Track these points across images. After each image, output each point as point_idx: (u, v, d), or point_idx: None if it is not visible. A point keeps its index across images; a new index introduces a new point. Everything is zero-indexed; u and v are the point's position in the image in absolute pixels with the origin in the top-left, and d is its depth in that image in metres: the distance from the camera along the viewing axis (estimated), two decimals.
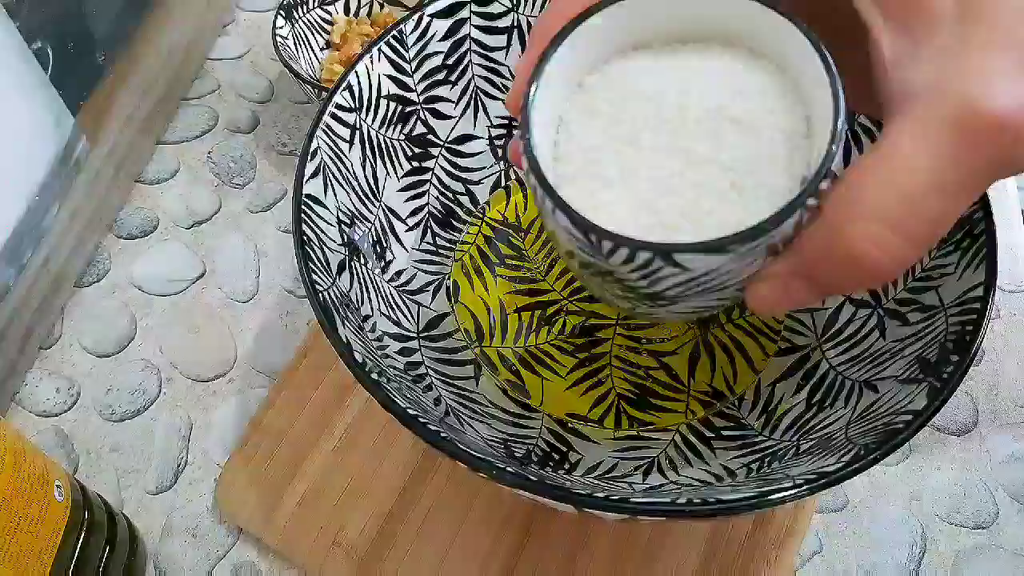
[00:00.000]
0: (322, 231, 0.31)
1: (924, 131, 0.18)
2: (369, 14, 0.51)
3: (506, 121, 0.40)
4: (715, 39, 0.24)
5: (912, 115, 0.19)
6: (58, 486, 0.29)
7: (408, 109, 0.37)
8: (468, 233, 0.40)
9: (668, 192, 0.22)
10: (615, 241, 0.21)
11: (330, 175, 0.33)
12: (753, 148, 0.22)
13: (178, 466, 0.38)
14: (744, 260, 0.21)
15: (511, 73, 0.39)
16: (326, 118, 0.33)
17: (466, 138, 0.40)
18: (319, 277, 0.29)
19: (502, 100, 0.40)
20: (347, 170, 0.34)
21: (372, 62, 0.35)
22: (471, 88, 0.39)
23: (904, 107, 0.19)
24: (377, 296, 0.34)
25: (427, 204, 0.39)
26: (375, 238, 0.36)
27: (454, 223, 0.40)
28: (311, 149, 0.32)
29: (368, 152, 0.35)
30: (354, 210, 0.34)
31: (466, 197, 0.40)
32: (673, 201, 0.22)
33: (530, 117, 0.23)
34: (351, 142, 0.34)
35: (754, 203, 0.22)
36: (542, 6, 0.38)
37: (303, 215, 0.30)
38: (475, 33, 0.38)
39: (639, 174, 0.23)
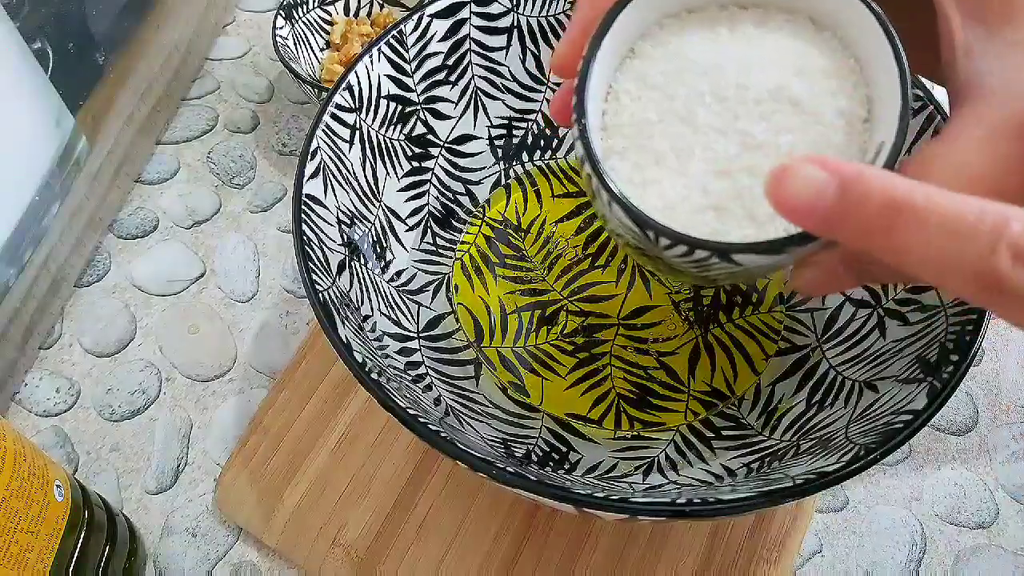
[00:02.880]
0: (322, 231, 0.31)
1: (986, 133, 0.18)
2: (369, 14, 0.51)
3: (506, 121, 0.40)
4: (775, 5, 0.23)
5: (976, 113, 0.18)
6: (58, 486, 0.29)
7: (408, 109, 0.37)
8: (468, 233, 0.40)
9: (722, 175, 0.22)
10: (673, 238, 0.21)
11: (330, 175, 0.33)
12: (811, 133, 0.21)
13: (178, 466, 0.38)
14: (798, 256, 0.21)
15: (511, 73, 0.39)
16: (326, 118, 0.33)
17: (466, 138, 0.40)
18: (319, 277, 0.29)
19: (502, 100, 0.40)
20: (347, 170, 0.34)
21: (372, 62, 0.35)
22: (471, 88, 0.39)
23: (970, 101, 0.19)
24: (377, 296, 0.34)
25: (427, 204, 0.39)
26: (375, 238, 0.36)
27: (454, 223, 0.40)
28: (311, 149, 0.32)
29: (368, 152, 0.35)
30: (354, 210, 0.34)
31: (466, 197, 0.40)
32: (726, 185, 0.22)
33: (586, 92, 0.22)
34: (351, 142, 0.34)
35: None
36: (542, 6, 0.38)
37: (303, 215, 0.30)
38: (475, 33, 0.38)
39: (693, 153, 0.22)
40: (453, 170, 0.40)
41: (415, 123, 0.38)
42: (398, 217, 0.37)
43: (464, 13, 0.37)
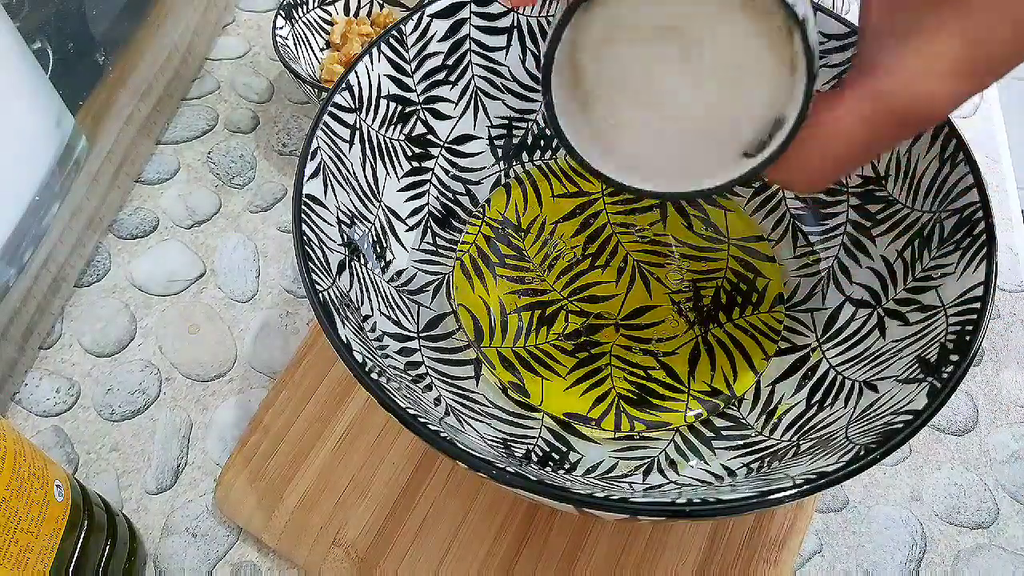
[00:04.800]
0: (322, 231, 0.31)
1: (870, 116, 0.22)
2: (369, 14, 0.51)
3: (506, 121, 0.40)
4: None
5: (864, 94, 0.22)
6: (58, 486, 0.29)
7: (408, 109, 0.37)
8: (468, 233, 0.40)
9: (683, 116, 0.25)
10: (619, 188, 0.26)
11: (330, 175, 0.33)
12: (753, 85, 0.24)
13: (178, 466, 0.38)
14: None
15: (511, 73, 0.39)
16: (326, 118, 0.33)
17: (466, 138, 0.40)
18: (319, 277, 0.29)
19: (502, 100, 0.40)
20: (347, 170, 0.34)
21: (372, 62, 0.35)
22: (471, 88, 0.39)
23: (863, 77, 0.22)
24: (377, 296, 0.34)
25: (427, 204, 0.39)
26: (375, 238, 0.36)
27: (454, 223, 0.40)
28: (311, 149, 0.32)
29: (368, 152, 0.35)
30: (354, 210, 0.34)
31: (466, 197, 0.40)
32: (686, 125, 0.25)
33: (555, 50, 0.24)
34: (351, 142, 0.34)
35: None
36: (543, 6, 0.38)
37: (303, 215, 0.30)
38: (475, 33, 0.38)
39: (657, 102, 0.25)
40: (453, 170, 0.40)
41: (415, 123, 0.38)
42: (398, 217, 0.37)
43: (464, 13, 0.37)
